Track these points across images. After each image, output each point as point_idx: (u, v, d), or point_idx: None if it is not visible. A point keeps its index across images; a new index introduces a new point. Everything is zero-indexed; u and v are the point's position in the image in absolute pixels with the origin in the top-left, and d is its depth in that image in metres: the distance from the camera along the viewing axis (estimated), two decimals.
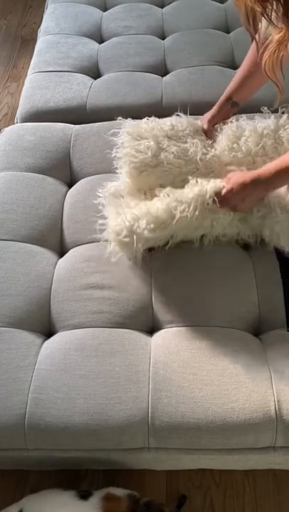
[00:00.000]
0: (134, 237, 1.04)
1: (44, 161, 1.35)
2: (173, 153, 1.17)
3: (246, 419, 0.91)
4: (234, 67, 1.68)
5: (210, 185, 1.08)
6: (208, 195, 1.06)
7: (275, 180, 1.05)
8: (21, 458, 1.04)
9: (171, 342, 1.01)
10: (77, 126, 1.45)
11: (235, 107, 1.27)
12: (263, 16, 0.79)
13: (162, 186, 1.14)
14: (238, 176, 1.08)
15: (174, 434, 0.92)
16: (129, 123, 1.25)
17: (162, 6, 2.02)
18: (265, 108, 1.26)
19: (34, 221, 1.21)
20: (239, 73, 1.23)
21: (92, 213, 1.19)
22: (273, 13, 0.78)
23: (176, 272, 1.11)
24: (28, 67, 1.77)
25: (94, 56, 1.76)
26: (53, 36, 1.84)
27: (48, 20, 1.95)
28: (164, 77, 1.66)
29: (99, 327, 1.03)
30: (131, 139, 1.20)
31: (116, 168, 1.24)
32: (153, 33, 1.85)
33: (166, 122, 1.24)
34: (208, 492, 1.19)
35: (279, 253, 1.14)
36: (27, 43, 2.70)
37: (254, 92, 1.25)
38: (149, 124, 1.23)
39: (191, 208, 1.05)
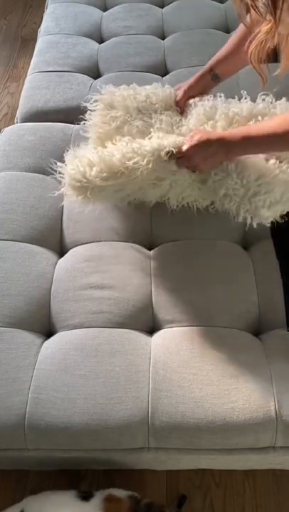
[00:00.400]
0: (84, 181, 1.02)
1: (44, 161, 1.35)
2: (137, 126, 1.17)
3: (246, 419, 0.91)
4: None
5: (168, 140, 1.04)
6: (165, 150, 1.02)
7: (240, 146, 1.01)
8: (21, 458, 1.04)
9: (171, 342, 1.01)
10: (77, 126, 1.45)
11: (216, 80, 1.23)
12: (252, 7, 0.81)
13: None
14: (202, 134, 1.03)
15: (174, 434, 0.92)
16: (106, 90, 1.25)
17: (162, 6, 2.02)
18: (245, 92, 1.20)
19: (34, 221, 1.21)
20: (226, 47, 1.20)
21: (92, 213, 1.18)
22: (261, 5, 0.80)
23: (177, 272, 1.11)
24: (28, 67, 1.77)
25: (94, 56, 1.76)
26: (53, 36, 1.84)
27: (48, 20, 1.95)
28: (164, 77, 1.66)
29: (99, 327, 1.03)
30: (103, 107, 1.21)
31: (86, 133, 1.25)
32: (153, 33, 1.85)
33: (142, 92, 1.23)
34: (208, 492, 1.19)
35: (279, 253, 1.15)
36: (27, 43, 2.70)
37: (238, 69, 1.23)
38: (124, 93, 1.23)
39: (145, 161, 1.01)
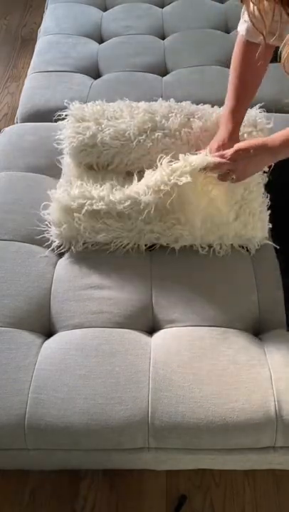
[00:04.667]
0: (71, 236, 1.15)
1: (44, 160, 1.35)
2: (109, 134, 1.21)
3: (246, 419, 0.91)
4: None
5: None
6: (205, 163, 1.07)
7: (283, 150, 1.04)
8: (21, 458, 1.04)
9: (171, 342, 1.01)
10: None
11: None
12: (285, 9, 0.77)
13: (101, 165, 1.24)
14: (245, 143, 1.05)
15: (174, 434, 0.92)
16: (75, 106, 1.29)
17: (162, 6, 2.02)
18: None
19: (34, 221, 1.21)
20: (234, 88, 1.17)
21: None
22: None
23: (176, 272, 1.11)
24: (28, 67, 1.77)
25: (94, 56, 1.76)
26: (53, 36, 1.84)
27: (48, 21, 1.95)
28: (164, 77, 1.66)
29: (99, 327, 1.03)
30: (74, 120, 1.25)
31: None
32: (153, 33, 1.85)
33: (110, 109, 1.27)
34: (208, 492, 1.19)
35: (279, 253, 1.15)
36: (27, 43, 2.70)
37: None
38: (93, 108, 1.27)
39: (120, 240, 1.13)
